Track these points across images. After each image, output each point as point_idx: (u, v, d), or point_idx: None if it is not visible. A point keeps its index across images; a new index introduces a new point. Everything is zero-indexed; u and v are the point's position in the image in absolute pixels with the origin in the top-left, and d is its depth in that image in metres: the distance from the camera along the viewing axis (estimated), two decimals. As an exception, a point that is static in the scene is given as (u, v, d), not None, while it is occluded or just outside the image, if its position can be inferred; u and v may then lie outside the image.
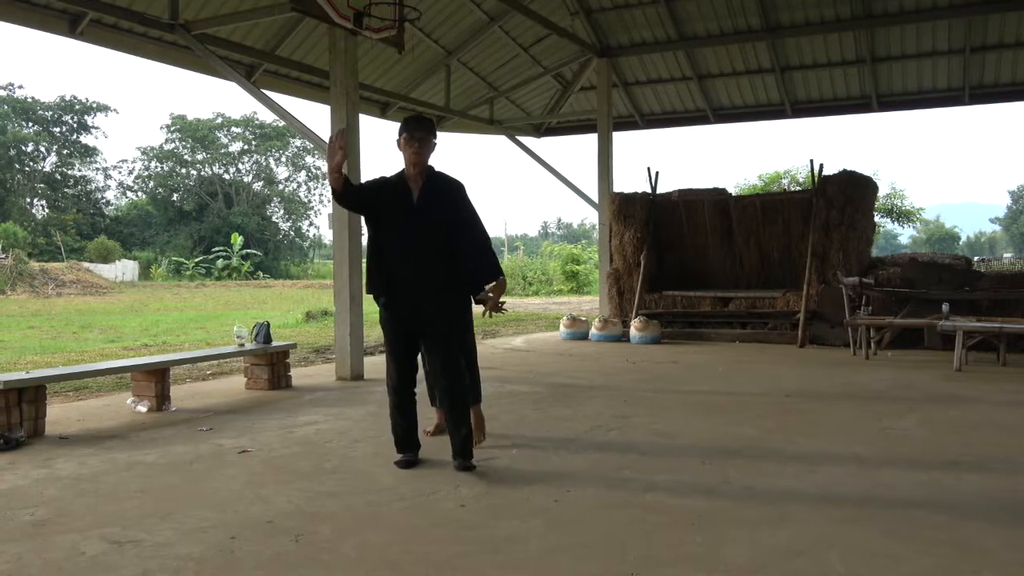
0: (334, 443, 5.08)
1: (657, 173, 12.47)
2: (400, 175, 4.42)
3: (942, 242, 72.86)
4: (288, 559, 3.12)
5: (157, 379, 6.17)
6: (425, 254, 4.28)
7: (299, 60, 10.15)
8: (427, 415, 5.11)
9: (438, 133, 4.57)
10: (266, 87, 9.60)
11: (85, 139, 52.40)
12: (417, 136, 4.33)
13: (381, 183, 4.45)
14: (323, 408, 6.30)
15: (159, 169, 53.28)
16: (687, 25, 12.15)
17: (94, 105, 51.52)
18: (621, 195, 12.55)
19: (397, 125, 4.52)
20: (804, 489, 4.02)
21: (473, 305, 4.74)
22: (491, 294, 4.56)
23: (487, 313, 4.61)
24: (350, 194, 4.35)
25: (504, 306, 4.63)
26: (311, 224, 57.24)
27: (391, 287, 4.33)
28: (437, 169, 4.47)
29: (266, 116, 54.34)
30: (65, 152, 51.55)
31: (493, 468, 4.44)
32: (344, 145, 4.13)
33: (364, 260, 4.59)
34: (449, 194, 4.40)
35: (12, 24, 7.65)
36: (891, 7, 11.22)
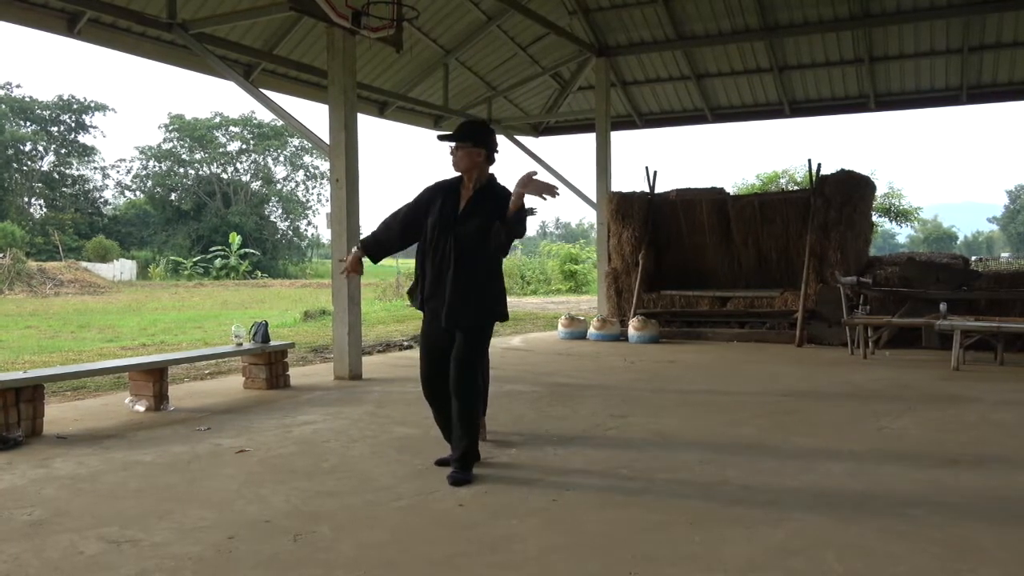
0: (332, 443, 5.08)
1: (655, 173, 12.49)
2: (459, 180, 4.32)
3: (940, 241, 72.90)
4: (286, 559, 3.12)
5: (155, 379, 6.17)
6: (459, 263, 4.17)
7: (297, 59, 10.14)
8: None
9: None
10: (264, 86, 9.59)
11: (83, 138, 52.41)
12: (455, 145, 4.23)
13: (431, 193, 4.35)
14: (321, 408, 6.30)
15: (157, 168, 53.21)
16: (685, 25, 12.15)
17: (92, 104, 51.46)
18: (619, 195, 12.55)
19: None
20: (802, 488, 4.03)
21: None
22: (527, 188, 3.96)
23: (532, 189, 3.95)
24: (380, 249, 4.48)
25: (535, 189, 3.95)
26: (309, 223, 57.26)
27: (424, 292, 4.32)
28: (496, 181, 4.31)
29: (264, 115, 54.43)
30: (63, 151, 51.49)
31: (491, 467, 4.44)
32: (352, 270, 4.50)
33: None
34: (495, 202, 4.16)
35: (10, 23, 7.64)
36: (889, 7, 11.23)
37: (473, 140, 4.24)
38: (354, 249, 4.60)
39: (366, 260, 4.55)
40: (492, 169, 4.37)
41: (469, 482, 4.11)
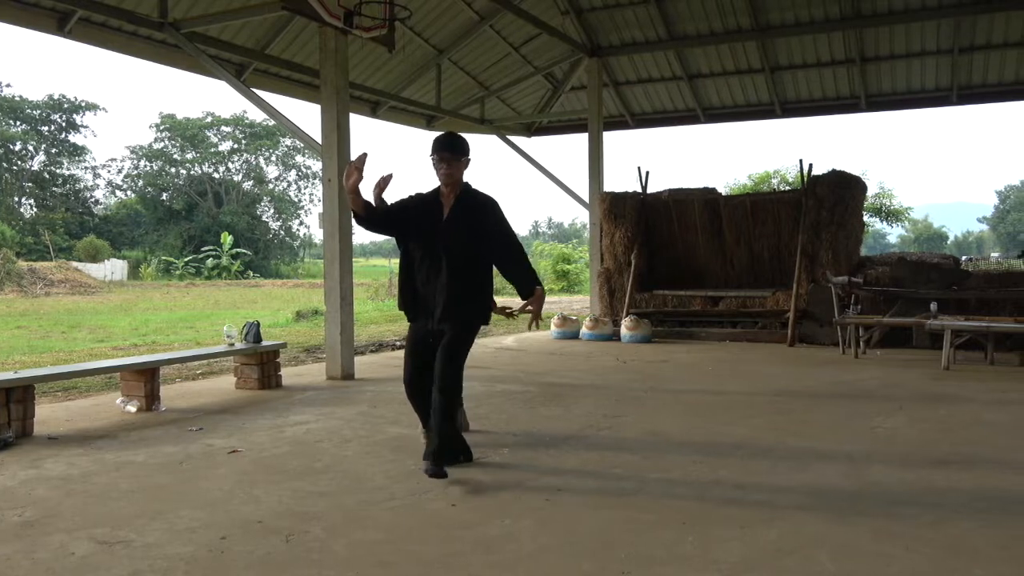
0: (325, 443, 5.06)
1: (647, 173, 12.51)
2: (435, 191, 4.50)
3: (930, 241, 73.27)
4: (279, 559, 3.11)
5: (147, 379, 6.15)
6: (448, 268, 4.32)
7: (289, 59, 10.11)
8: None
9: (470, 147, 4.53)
10: (256, 86, 9.56)
11: (74, 138, 52.10)
12: (445, 157, 4.36)
13: (414, 200, 4.52)
14: (314, 408, 6.29)
15: (148, 168, 53.02)
16: (678, 25, 12.18)
17: (83, 104, 51.17)
18: (612, 195, 12.57)
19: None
20: (794, 488, 4.04)
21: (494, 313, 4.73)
22: (530, 307, 4.48)
23: (531, 325, 4.62)
24: (373, 218, 4.37)
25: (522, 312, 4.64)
26: (301, 223, 57.16)
27: (416, 299, 4.45)
28: (473, 187, 4.52)
29: (256, 115, 54.28)
30: (53, 151, 51.19)
31: (484, 467, 4.44)
32: (361, 166, 4.14)
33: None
34: (479, 211, 4.44)
35: (0, 22, 7.60)
36: (880, 7, 11.28)
37: (464, 152, 4.44)
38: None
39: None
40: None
41: (444, 475, 4.10)
